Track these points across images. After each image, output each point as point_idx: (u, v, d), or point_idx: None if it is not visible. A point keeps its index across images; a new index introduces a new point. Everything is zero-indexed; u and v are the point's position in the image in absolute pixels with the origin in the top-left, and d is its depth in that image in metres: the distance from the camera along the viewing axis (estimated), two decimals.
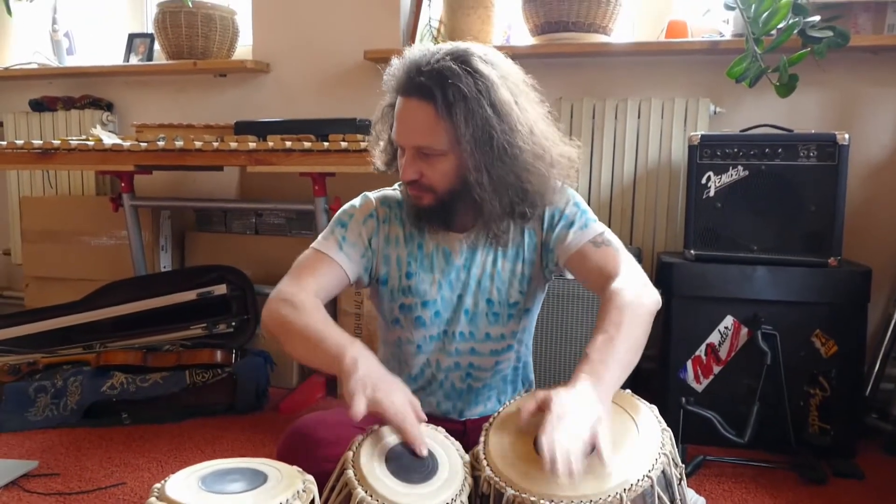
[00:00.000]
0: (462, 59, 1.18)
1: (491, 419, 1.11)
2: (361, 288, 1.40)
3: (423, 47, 1.23)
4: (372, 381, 1.06)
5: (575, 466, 0.92)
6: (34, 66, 3.28)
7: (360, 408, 1.01)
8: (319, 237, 1.34)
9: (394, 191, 1.39)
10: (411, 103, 1.20)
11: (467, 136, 1.16)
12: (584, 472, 0.94)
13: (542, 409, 1.00)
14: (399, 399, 1.06)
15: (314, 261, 1.29)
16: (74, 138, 2.51)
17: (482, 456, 1.03)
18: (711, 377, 2.09)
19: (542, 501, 0.92)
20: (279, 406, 2.42)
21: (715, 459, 1.95)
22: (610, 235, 1.31)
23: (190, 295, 2.59)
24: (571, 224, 1.30)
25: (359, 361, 1.08)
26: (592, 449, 0.96)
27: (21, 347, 2.55)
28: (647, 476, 0.95)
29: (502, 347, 1.37)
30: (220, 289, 2.58)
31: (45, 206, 3.13)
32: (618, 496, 0.92)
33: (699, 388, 2.09)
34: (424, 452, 1.03)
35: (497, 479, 0.97)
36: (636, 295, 1.17)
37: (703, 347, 2.09)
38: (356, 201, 1.37)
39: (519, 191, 1.23)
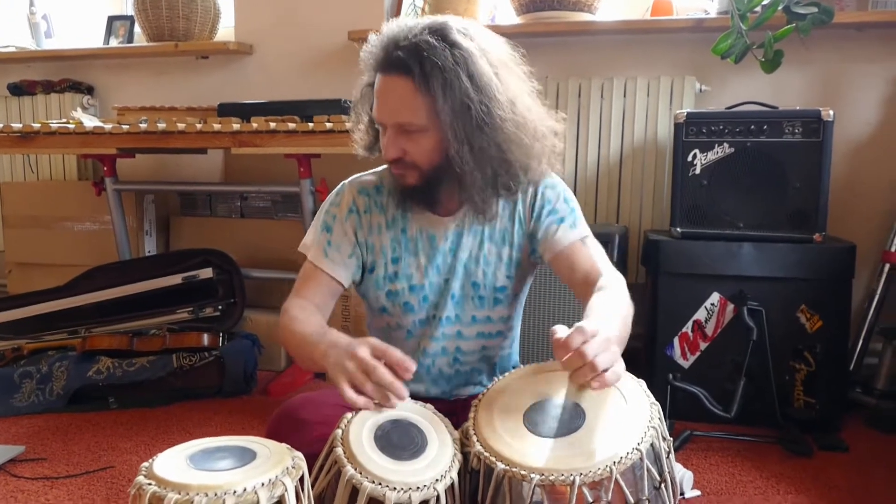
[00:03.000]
0: (440, 32, 1.17)
1: (480, 396, 1.11)
2: (357, 285, 1.40)
3: (402, 22, 1.21)
4: (340, 357, 1.07)
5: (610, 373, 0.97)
6: (12, 49, 3.23)
7: (347, 393, 1.03)
8: (310, 239, 1.34)
9: (371, 175, 1.37)
10: (390, 79, 1.18)
11: (446, 109, 1.15)
12: (572, 446, 0.95)
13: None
14: (366, 345, 1.06)
15: (309, 274, 1.32)
16: (55, 121, 2.47)
17: (472, 432, 1.03)
18: (698, 353, 2.10)
19: (532, 475, 0.92)
20: (267, 389, 2.42)
21: (702, 434, 1.97)
22: (592, 241, 1.32)
23: (175, 279, 2.58)
24: (562, 220, 1.30)
25: (328, 352, 1.10)
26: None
27: (5, 334, 2.53)
28: (636, 449, 0.94)
29: (489, 331, 1.37)
30: (206, 272, 2.57)
31: (27, 192, 3.10)
32: (607, 468, 0.91)
33: (686, 364, 2.11)
34: (412, 369, 1.05)
35: (487, 454, 0.97)
36: (621, 293, 1.19)
37: (689, 324, 2.10)
38: (334, 196, 1.36)
39: (501, 162, 1.22)
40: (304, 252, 1.34)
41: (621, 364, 1.01)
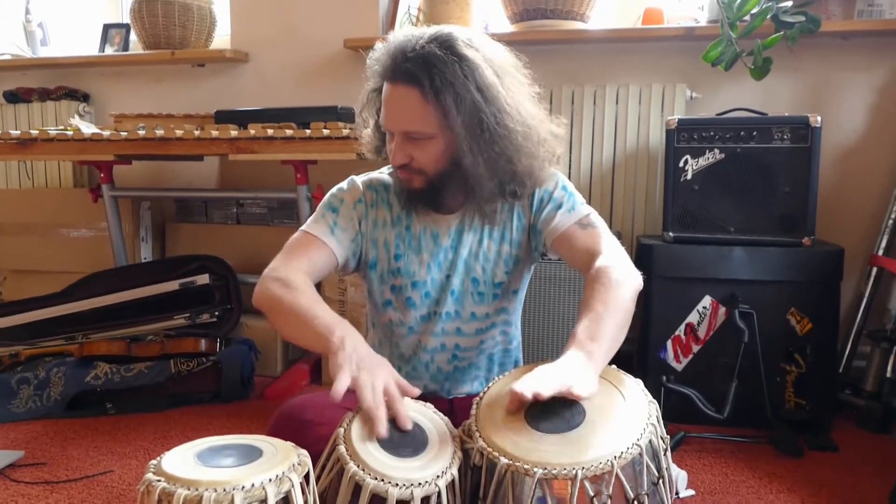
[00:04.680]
0: (447, 44, 1.19)
1: (482, 393, 1.14)
2: (347, 273, 1.41)
3: (407, 31, 1.24)
4: (358, 357, 1.07)
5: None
6: (8, 57, 3.24)
7: (342, 383, 1.02)
8: (309, 220, 1.35)
9: (380, 174, 1.41)
10: (398, 89, 1.21)
11: (458, 122, 1.18)
12: (574, 442, 0.97)
13: None
14: (379, 384, 1.05)
15: (305, 243, 1.31)
16: (53, 128, 2.48)
17: (474, 428, 1.05)
18: (691, 356, 2.13)
19: (535, 469, 0.93)
20: (264, 393, 2.43)
21: (695, 435, 2.00)
22: (595, 218, 1.35)
23: (172, 285, 2.58)
24: (559, 206, 1.34)
25: (346, 340, 1.09)
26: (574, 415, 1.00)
27: (2, 340, 2.53)
28: (636, 444, 0.96)
29: (487, 326, 1.39)
30: (203, 279, 2.58)
31: (23, 199, 3.10)
32: (608, 463, 0.93)
33: (679, 367, 2.14)
34: (384, 433, 1.02)
35: (490, 449, 0.99)
36: (620, 275, 1.20)
37: (682, 327, 2.13)
38: (344, 185, 1.39)
39: (510, 171, 1.26)
40: (307, 230, 1.33)
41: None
